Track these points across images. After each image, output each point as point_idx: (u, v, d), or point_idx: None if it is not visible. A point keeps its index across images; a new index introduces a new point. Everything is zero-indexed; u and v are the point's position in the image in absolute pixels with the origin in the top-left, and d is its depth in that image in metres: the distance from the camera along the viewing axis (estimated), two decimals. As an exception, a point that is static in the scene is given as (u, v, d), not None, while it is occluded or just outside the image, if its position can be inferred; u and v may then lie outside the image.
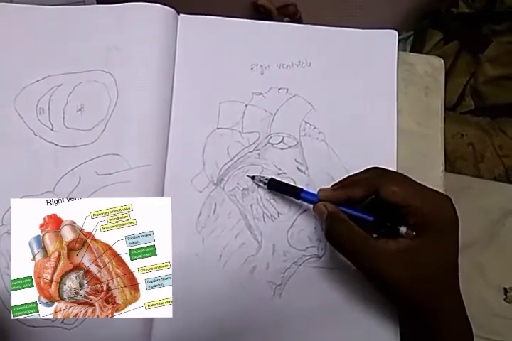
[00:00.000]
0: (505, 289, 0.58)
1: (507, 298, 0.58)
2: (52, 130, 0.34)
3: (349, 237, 0.29)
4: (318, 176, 0.36)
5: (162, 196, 0.34)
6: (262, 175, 0.35)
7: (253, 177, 0.35)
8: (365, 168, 0.32)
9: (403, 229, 0.29)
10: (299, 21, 0.79)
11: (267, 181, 0.34)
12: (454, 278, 0.29)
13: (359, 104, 0.38)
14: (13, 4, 0.36)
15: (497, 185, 0.67)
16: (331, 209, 0.31)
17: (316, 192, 0.33)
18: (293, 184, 0.35)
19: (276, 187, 0.34)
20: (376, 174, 0.31)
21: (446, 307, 0.29)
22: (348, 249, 0.30)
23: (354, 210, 0.31)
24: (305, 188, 0.34)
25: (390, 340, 0.34)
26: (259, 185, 0.35)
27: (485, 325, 0.54)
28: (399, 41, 0.39)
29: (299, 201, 0.34)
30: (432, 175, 0.38)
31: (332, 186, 0.33)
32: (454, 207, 0.29)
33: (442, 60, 0.41)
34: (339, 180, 0.33)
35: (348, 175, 0.33)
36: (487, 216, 0.63)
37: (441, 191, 0.36)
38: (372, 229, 0.31)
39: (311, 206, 0.34)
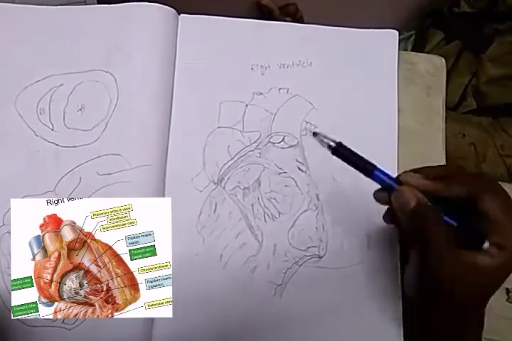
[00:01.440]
0: (507, 289, 0.58)
1: (509, 299, 0.57)
2: (52, 130, 0.34)
3: (440, 237, 0.26)
4: (319, 176, 0.36)
5: (163, 196, 0.34)
6: (328, 135, 0.28)
7: (316, 134, 0.28)
8: (456, 169, 0.30)
9: (487, 245, 0.26)
10: (299, 21, 0.79)
11: (333, 144, 0.28)
12: (488, 299, 0.28)
13: (360, 103, 0.37)
14: (14, 4, 0.36)
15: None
16: (422, 200, 0.27)
17: (393, 176, 0.28)
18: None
19: (343, 156, 0.28)
20: (480, 177, 0.29)
21: (475, 321, 0.29)
22: (433, 249, 0.27)
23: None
24: (379, 166, 0.28)
25: (392, 340, 0.34)
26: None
27: (487, 325, 0.53)
28: (400, 41, 0.39)
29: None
30: (434, 175, 0.38)
31: (412, 170, 0.29)
32: None
33: (444, 60, 0.41)
34: (419, 167, 0.29)
35: (428, 166, 0.29)
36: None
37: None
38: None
39: (312, 207, 0.34)
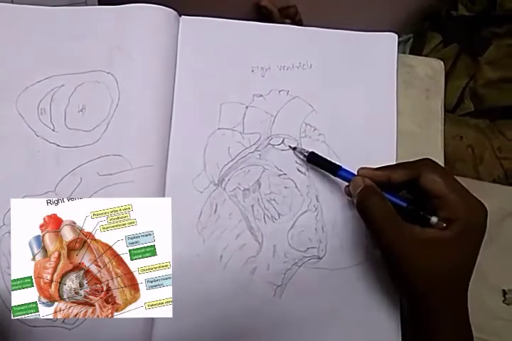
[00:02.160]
0: (504, 291, 0.58)
1: (506, 300, 0.58)
2: (53, 130, 0.34)
3: (380, 212, 0.29)
4: (319, 177, 0.36)
5: (163, 196, 0.34)
6: (303, 147, 0.36)
7: (294, 148, 0.36)
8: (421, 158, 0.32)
9: (434, 220, 0.29)
10: (299, 23, 0.79)
11: (307, 154, 0.35)
12: (466, 280, 0.29)
13: (359, 105, 0.38)
14: (15, 5, 0.36)
15: (496, 187, 0.67)
16: (368, 183, 0.31)
17: (354, 171, 0.33)
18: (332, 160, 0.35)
19: (315, 162, 0.35)
20: (421, 161, 0.32)
21: (452, 305, 0.29)
22: (376, 224, 0.30)
23: (388, 194, 0.31)
24: (344, 166, 0.34)
25: (390, 340, 0.34)
26: (298, 157, 0.36)
27: (484, 326, 0.54)
28: (398, 43, 0.39)
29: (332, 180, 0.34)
30: (432, 177, 0.38)
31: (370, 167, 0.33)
32: (487, 216, 0.29)
33: (442, 63, 0.41)
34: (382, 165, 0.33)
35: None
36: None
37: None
38: (402, 215, 0.30)
39: (311, 208, 0.34)
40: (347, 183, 0.34)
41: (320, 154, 0.35)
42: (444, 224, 0.29)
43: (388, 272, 0.32)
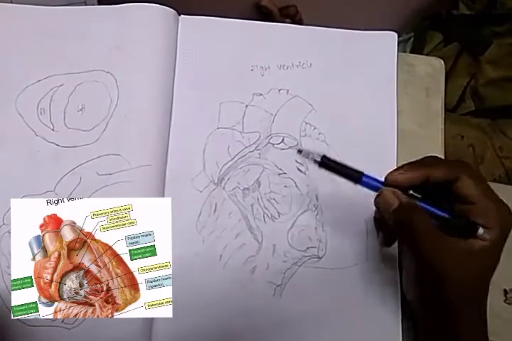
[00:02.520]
0: (505, 290, 0.58)
1: (507, 300, 0.58)
2: (53, 130, 0.34)
3: (425, 233, 0.27)
4: (319, 176, 0.36)
5: (163, 196, 0.34)
6: (312, 150, 0.29)
7: (300, 151, 0.29)
8: (426, 156, 0.30)
9: (481, 231, 0.27)
10: (299, 23, 0.79)
11: (318, 158, 0.29)
12: (488, 283, 0.29)
13: (359, 105, 0.38)
14: (14, 4, 0.36)
15: (497, 186, 0.67)
16: (405, 200, 0.28)
17: (381, 179, 0.29)
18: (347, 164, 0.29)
19: (331, 167, 0.29)
20: (458, 164, 0.29)
21: (478, 309, 0.29)
22: (420, 245, 0.28)
23: (427, 204, 0.28)
24: (366, 172, 0.29)
25: (391, 340, 0.34)
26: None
27: (485, 326, 0.54)
28: (399, 43, 0.39)
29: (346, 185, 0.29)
30: (433, 176, 0.38)
31: (398, 169, 0.29)
32: None
33: (442, 61, 0.41)
34: (401, 165, 0.30)
35: (410, 161, 0.30)
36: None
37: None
38: (442, 225, 0.28)
39: (311, 207, 0.34)
40: (354, 185, 0.29)
41: (333, 158, 0.29)
42: (488, 236, 0.27)
43: (416, 283, 0.30)
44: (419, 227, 0.27)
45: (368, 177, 0.29)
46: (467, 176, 0.28)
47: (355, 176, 0.29)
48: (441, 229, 0.28)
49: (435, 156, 0.31)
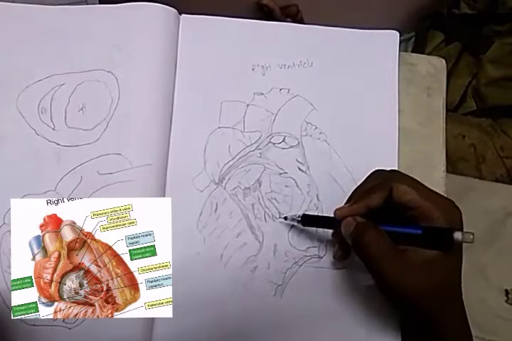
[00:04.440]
0: (506, 291, 0.58)
1: (508, 300, 0.58)
2: (53, 129, 0.34)
3: (379, 246, 0.28)
4: (320, 176, 0.36)
5: (163, 195, 0.34)
6: (292, 214, 0.34)
7: (285, 218, 0.34)
8: (369, 175, 0.32)
9: (458, 234, 0.27)
10: (300, 22, 0.79)
11: (299, 218, 0.33)
12: (460, 285, 0.29)
13: (361, 104, 0.38)
14: (16, 4, 0.36)
15: (499, 186, 0.67)
16: (360, 220, 0.29)
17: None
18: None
19: (313, 222, 0.33)
20: (385, 176, 0.31)
21: (452, 311, 0.29)
22: (375, 260, 0.28)
23: (397, 227, 0.29)
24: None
25: (390, 340, 0.34)
26: (293, 225, 0.34)
27: (486, 326, 0.54)
28: (401, 42, 0.39)
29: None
30: (434, 176, 0.38)
31: (346, 203, 0.32)
32: (460, 211, 0.29)
33: (444, 61, 0.41)
34: (349, 195, 0.33)
35: (355, 188, 0.32)
36: (489, 217, 0.63)
37: (441, 192, 0.36)
38: (420, 242, 0.29)
39: (312, 207, 0.34)
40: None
41: (312, 214, 0.34)
42: (472, 236, 0.27)
43: (386, 297, 0.31)
44: (370, 244, 0.28)
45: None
46: (399, 184, 0.29)
47: (334, 225, 0.31)
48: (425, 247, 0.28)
49: (376, 171, 0.32)
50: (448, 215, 0.28)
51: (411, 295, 0.28)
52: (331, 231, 0.34)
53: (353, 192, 0.33)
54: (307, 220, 0.33)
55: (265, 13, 0.78)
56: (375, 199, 0.30)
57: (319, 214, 0.33)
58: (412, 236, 0.29)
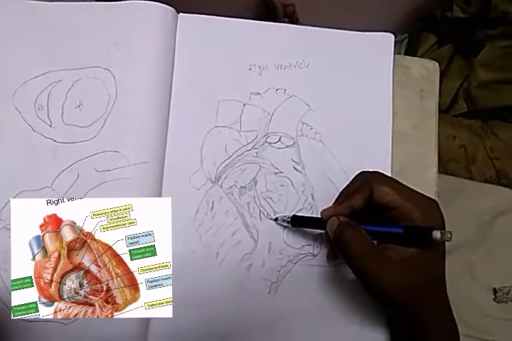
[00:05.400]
0: (494, 289, 0.59)
1: (496, 298, 0.59)
2: (50, 126, 0.34)
3: (358, 244, 0.29)
4: (315, 176, 0.36)
5: (160, 193, 0.34)
6: (283, 214, 0.35)
7: (276, 219, 0.35)
8: (354, 176, 0.33)
9: (437, 233, 0.28)
10: (295, 22, 0.79)
11: (289, 220, 0.34)
12: (443, 282, 0.30)
13: (355, 105, 0.38)
14: (14, 0, 0.36)
15: (488, 187, 0.68)
16: (343, 219, 0.30)
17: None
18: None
19: (302, 223, 0.34)
20: (367, 177, 0.32)
21: (435, 309, 0.29)
22: (354, 255, 0.29)
23: (380, 226, 0.30)
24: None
25: (381, 338, 0.34)
26: (285, 226, 0.35)
27: (474, 324, 0.55)
28: (394, 44, 0.40)
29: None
30: (426, 177, 0.38)
31: (333, 204, 0.33)
32: (441, 211, 0.30)
33: (437, 64, 0.42)
34: (336, 196, 0.34)
35: (341, 189, 0.34)
36: (478, 217, 0.64)
37: (433, 192, 0.37)
38: (401, 241, 0.29)
39: (307, 206, 0.34)
40: None
41: (301, 215, 0.35)
42: (449, 235, 0.28)
43: (368, 293, 0.31)
44: (350, 242, 0.29)
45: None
46: (379, 185, 0.30)
47: (323, 225, 0.32)
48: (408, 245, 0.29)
49: (361, 173, 0.32)
50: (427, 215, 0.29)
51: (390, 293, 0.28)
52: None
53: (339, 194, 0.34)
54: (297, 221, 0.34)
55: (268, 10, 0.77)
56: (357, 200, 0.31)
57: (308, 215, 0.34)
58: (393, 235, 0.29)
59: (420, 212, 0.29)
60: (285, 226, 0.35)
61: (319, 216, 0.33)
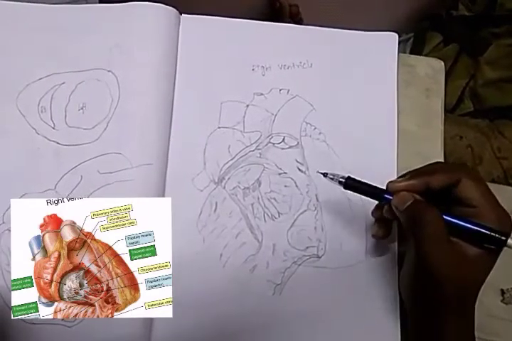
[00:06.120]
0: (502, 290, 0.59)
1: (504, 300, 0.58)
2: (54, 128, 0.34)
3: (435, 230, 0.28)
4: (319, 176, 0.36)
5: (163, 195, 0.34)
6: (335, 172, 0.32)
7: (325, 174, 0.32)
8: (429, 163, 0.31)
9: (511, 241, 0.27)
10: (299, 23, 0.79)
11: (343, 180, 0.31)
12: (479, 290, 0.29)
13: (360, 105, 0.38)
14: (15, 2, 0.36)
15: (495, 187, 0.67)
16: (418, 198, 0.29)
17: (393, 177, 0.31)
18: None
19: (355, 188, 0.31)
20: (454, 167, 0.30)
21: (466, 313, 0.29)
22: (425, 243, 0.28)
23: (456, 218, 0.28)
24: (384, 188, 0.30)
25: (389, 340, 0.34)
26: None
27: (482, 325, 0.54)
28: (399, 43, 0.39)
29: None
30: (432, 177, 0.38)
31: (399, 178, 0.31)
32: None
33: (442, 62, 0.41)
34: (403, 173, 0.31)
35: (412, 169, 0.31)
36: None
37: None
38: (469, 238, 0.28)
39: (311, 207, 0.34)
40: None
41: (358, 179, 0.31)
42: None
43: (412, 282, 0.30)
44: (429, 224, 0.28)
45: (387, 192, 0.30)
46: (468, 179, 0.29)
47: (380, 195, 0.30)
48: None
49: (439, 162, 0.31)
50: (501, 222, 0.28)
51: (445, 284, 0.28)
52: (330, 232, 0.34)
53: (410, 171, 0.31)
54: (350, 184, 0.31)
55: (272, 11, 0.77)
56: (438, 180, 0.29)
57: (367, 182, 0.31)
58: (464, 230, 0.28)
59: (497, 217, 0.28)
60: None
61: (378, 185, 0.30)
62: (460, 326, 0.29)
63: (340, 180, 0.31)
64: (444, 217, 0.28)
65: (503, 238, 0.27)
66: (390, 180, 0.30)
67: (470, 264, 0.28)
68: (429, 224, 0.28)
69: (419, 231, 0.28)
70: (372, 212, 0.33)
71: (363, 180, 0.31)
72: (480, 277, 0.29)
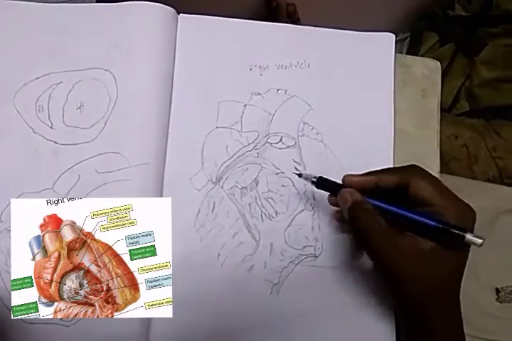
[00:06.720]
0: (497, 289, 0.59)
1: (499, 298, 0.59)
2: (51, 128, 0.34)
3: (373, 230, 0.29)
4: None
5: (161, 194, 0.34)
6: (308, 173, 0.33)
7: (300, 175, 0.33)
8: (384, 168, 0.32)
9: (470, 237, 0.27)
10: (296, 22, 0.79)
11: (315, 179, 0.32)
12: (459, 281, 0.29)
13: (357, 105, 0.38)
14: (12, 1, 0.36)
15: (491, 186, 0.68)
16: (356, 198, 0.30)
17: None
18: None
19: (325, 187, 0.32)
20: (410, 168, 0.31)
21: (448, 307, 0.29)
22: (369, 243, 0.29)
23: (415, 214, 0.29)
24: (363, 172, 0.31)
25: (386, 339, 0.34)
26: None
27: (477, 324, 0.54)
28: (396, 43, 0.39)
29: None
30: (428, 177, 0.38)
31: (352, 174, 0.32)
32: (475, 219, 0.29)
33: (439, 63, 0.42)
34: (364, 172, 0.32)
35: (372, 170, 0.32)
36: (481, 217, 0.64)
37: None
38: (426, 234, 0.29)
39: (308, 207, 0.34)
40: None
41: (327, 178, 0.32)
42: (480, 241, 0.27)
43: (384, 283, 0.31)
44: (366, 224, 0.29)
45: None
46: (419, 179, 0.29)
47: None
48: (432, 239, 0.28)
49: (417, 165, 0.32)
50: (463, 218, 0.29)
51: (407, 284, 0.28)
52: (327, 232, 0.34)
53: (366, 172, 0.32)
54: (321, 183, 0.32)
55: (269, 10, 0.77)
56: (387, 180, 0.30)
57: (335, 180, 0.32)
58: (419, 226, 0.29)
59: (456, 212, 0.28)
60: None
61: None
62: (447, 324, 0.29)
63: (313, 179, 0.32)
64: (395, 209, 0.29)
65: (461, 233, 0.27)
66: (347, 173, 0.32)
67: (428, 260, 0.28)
68: (366, 222, 0.29)
69: (360, 232, 0.29)
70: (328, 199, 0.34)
71: (332, 179, 0.32)
72: (444, 274, 0.28)
